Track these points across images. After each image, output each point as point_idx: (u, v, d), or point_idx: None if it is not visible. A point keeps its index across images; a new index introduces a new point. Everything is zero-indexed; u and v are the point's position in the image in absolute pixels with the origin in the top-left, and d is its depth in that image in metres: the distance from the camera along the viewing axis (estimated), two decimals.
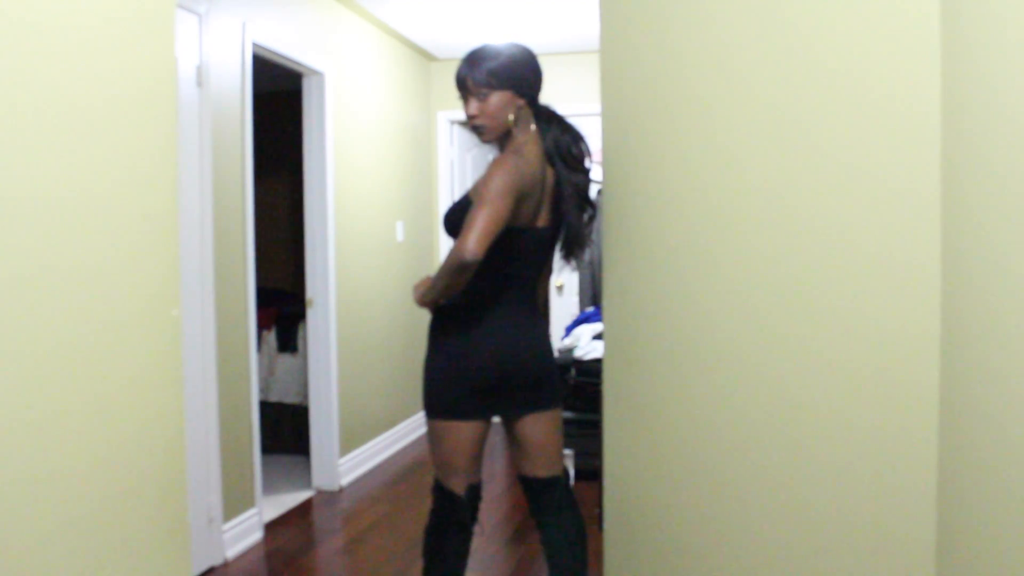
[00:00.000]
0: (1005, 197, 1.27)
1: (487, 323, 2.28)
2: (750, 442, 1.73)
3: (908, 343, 1.53)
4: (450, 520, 2.37)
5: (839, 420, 1.61)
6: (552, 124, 2.32)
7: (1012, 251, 1.25)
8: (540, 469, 2.40)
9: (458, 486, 2.35)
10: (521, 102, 2.30)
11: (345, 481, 4.49)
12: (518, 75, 2.29)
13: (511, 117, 2.29)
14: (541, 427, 2.36)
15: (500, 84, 2.28)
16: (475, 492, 2.40)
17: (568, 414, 4.32)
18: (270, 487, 4.30)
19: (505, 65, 2.28)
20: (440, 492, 2.39)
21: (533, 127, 2.31)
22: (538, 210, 2.29)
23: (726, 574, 1.79)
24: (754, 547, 1.73)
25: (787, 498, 1.68)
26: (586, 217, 2.35)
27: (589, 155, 2.37)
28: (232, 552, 3.43)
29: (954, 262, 1.44)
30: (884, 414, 1.56)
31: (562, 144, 2.30)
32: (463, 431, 2.30)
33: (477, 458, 2.37)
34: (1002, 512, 1.30)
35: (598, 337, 4.32)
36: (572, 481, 4.29)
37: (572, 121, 2.37)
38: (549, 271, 2.50)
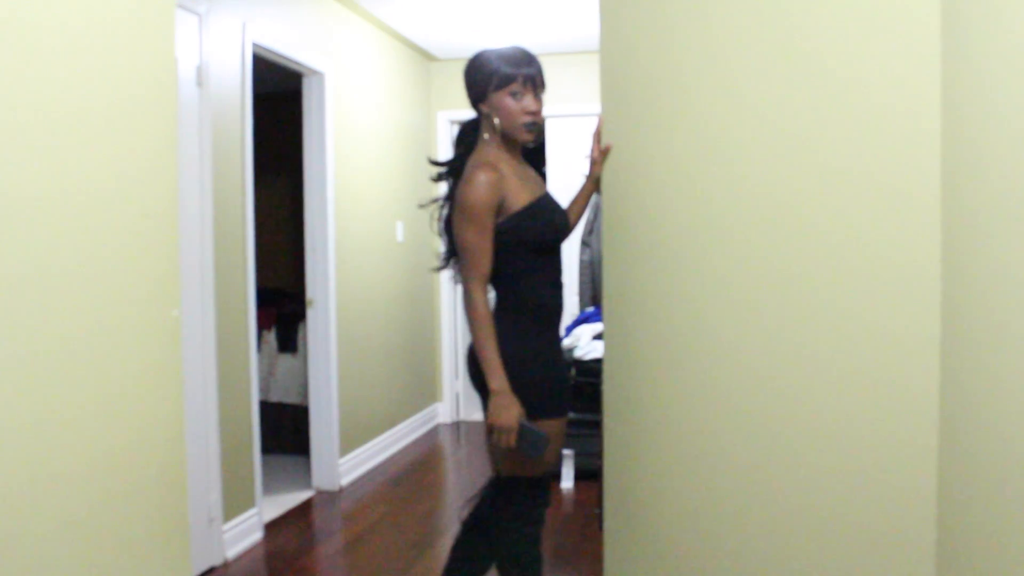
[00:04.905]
0: (1005, 197, 1.27)
1: None
2: (750, 442, 1.73)
3: (908, 344, 1.53)
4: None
5: (839, 420, 1.61)
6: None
7: (1012, 251, 1.25)
8: None
9: None
10: None
11: (345, 481, 4.49)
12: None
13: None
14: None
15: None
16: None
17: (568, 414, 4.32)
18: (270, 487, 4.30)
19: None
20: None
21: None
22: None
23: (726, 574, 1.79)
24: (754, 547, 1.73)
25: (787, 498, 1.68)
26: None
27: None
28: (232, 552, 3.43)
29: (954, 262, 1.44)
30: (884, 414, 1.56)
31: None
32: None
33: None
34: (1002, 512, 1.30)
35: (598, 337, 4.32)
36: (571, 482, 4.33)
37: None
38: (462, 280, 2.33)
